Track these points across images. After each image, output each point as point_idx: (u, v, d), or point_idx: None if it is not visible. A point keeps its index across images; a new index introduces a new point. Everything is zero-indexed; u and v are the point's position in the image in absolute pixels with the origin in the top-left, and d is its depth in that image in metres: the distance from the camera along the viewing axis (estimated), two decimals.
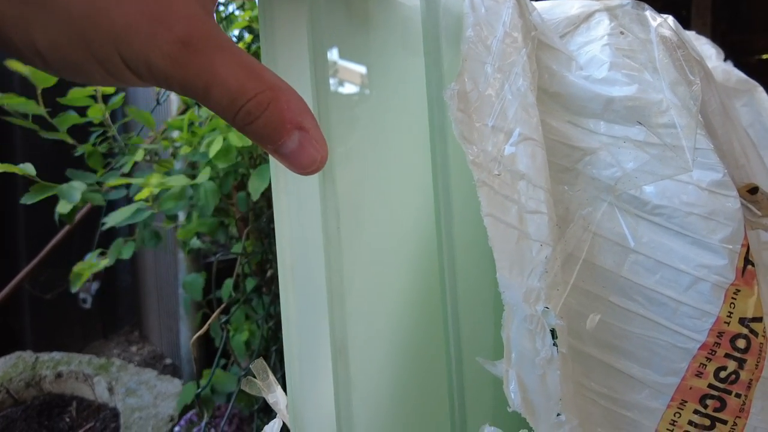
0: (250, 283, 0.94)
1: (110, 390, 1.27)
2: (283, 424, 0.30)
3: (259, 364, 0.30)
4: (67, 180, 0.90)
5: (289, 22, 0.26)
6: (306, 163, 0.22)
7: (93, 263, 0.78)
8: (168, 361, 1.98)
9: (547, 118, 0.35)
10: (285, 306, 0.26)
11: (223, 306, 0.57)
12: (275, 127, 0.21)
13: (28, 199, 0.79)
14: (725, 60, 0.64)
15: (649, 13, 0.37)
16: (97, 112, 1.00)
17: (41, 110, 0.88)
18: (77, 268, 0.79)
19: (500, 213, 0.28)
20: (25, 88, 0.94)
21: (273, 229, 0.95)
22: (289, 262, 0.26)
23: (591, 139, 0.35)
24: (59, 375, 1.34)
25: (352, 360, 0.25)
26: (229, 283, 1.01)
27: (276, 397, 0.29)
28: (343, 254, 0.25)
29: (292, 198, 0.26)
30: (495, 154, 0.28)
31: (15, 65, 0.92)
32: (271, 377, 0.29)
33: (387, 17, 0.30)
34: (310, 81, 0.25)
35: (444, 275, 0.28)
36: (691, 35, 0.57)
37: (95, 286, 1.38)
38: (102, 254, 0.84)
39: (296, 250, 0.26)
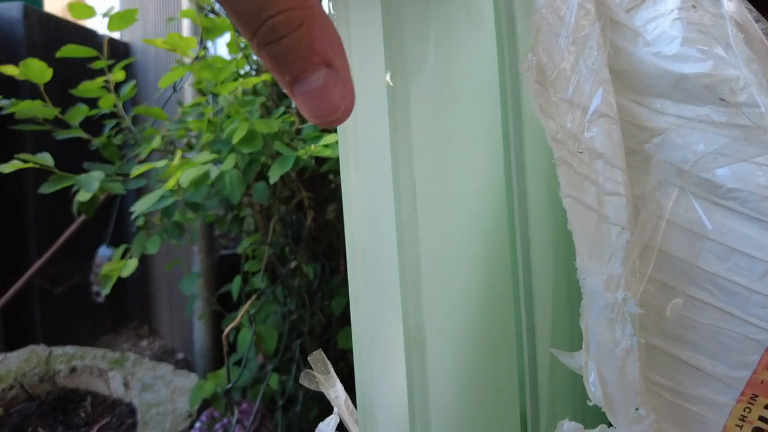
0: (256, 280, 0.91)
1: (125, 385, 1.26)
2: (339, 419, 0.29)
3: (317, 356, 0.28)
4: (83, 172, 0.88)
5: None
6: (326, 110, 0.18)
7: (121, 263, 0.76)
8: (180, 355, 1.97)
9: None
10: (354, 294, 0.25)
11: (253, 298, 0.56)
12: (300, 55, 0.17)
13: (46, 189, 0.77)
14: None
15: None
16: (108, 102, 0.98)
17: (51, 110, 0.86)
18: (106, 269, 0.76)
19: (579, 194, 0.26)
20: (34, 92, 0.91)
21: (294, 221, 0.94)
22: (359, 245, 0.24)
23: (658, 119, 0.33)
24: (73, 369, 1.33)
25: (429, 351, 0.24)
26: (239, 279, 1.00)
27: (336, 392, 0.28)
28: (419, 237, 0.23)
29: (363, 176, 0.24)
30: (574, 130, 0.26)
31: (7, 69, 0.89)
32: (332, 371, 0.28)
33: None
34: (384, 64, 0.24)
35: (517, 259, 0.27)
36: None
37: None
38: (126, 251, 0.82)
39: (367, 232, 0.24)
